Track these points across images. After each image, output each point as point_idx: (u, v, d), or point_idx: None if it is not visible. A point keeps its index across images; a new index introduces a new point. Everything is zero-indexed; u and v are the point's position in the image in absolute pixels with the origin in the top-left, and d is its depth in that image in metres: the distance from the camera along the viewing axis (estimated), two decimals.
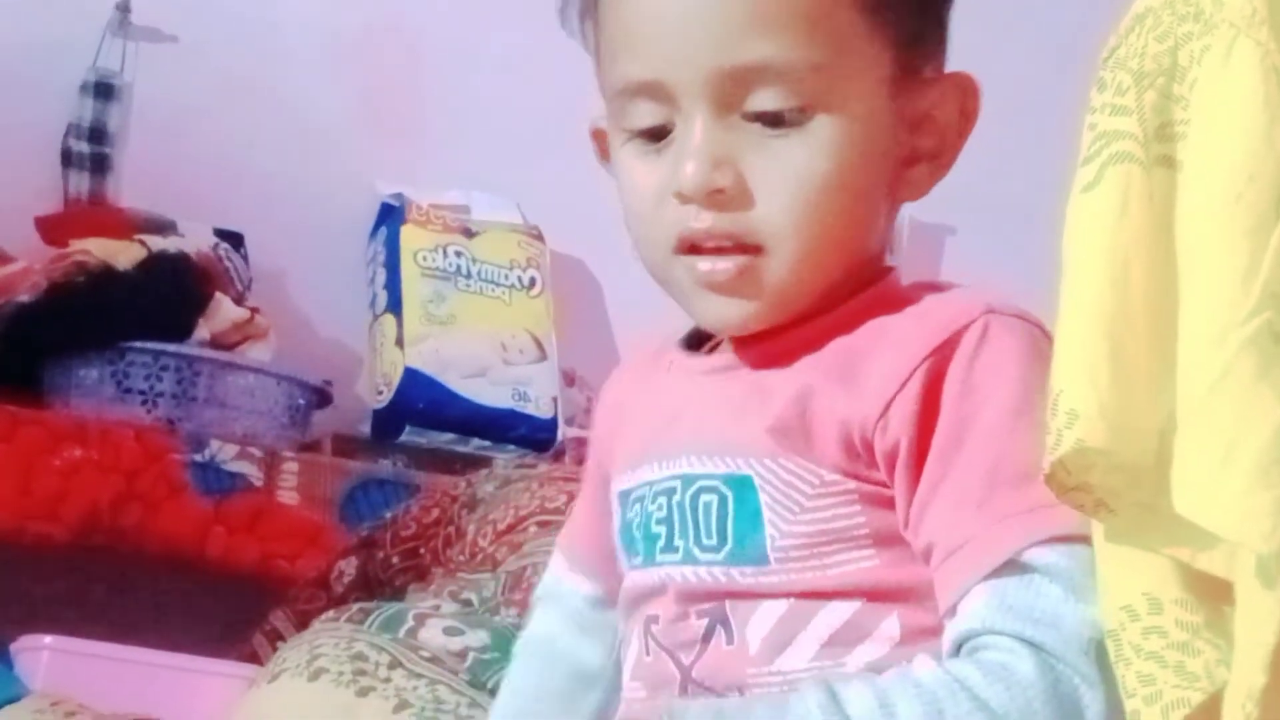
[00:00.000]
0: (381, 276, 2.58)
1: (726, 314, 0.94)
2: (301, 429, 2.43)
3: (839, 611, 0.88)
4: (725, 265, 0.92)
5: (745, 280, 0.92)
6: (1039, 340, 0.89)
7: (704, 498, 0.92)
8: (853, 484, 0.89)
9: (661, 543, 0.94)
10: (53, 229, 2.43)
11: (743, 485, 0.91)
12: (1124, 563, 0.72)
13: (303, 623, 1.93)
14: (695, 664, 0.92)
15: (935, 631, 0.87)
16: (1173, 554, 0.70)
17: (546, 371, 2.55)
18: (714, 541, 0.91)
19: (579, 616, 1.05)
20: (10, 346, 2.26)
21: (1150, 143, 0.71)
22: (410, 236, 2.58)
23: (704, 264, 0.92)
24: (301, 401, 2.42)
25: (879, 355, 0.89)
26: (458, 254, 2.60)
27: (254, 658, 1.98)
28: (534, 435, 2.51)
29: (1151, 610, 0.71)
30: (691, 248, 0.93)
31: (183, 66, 2.57)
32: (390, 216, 2.60)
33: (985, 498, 0.84)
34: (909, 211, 3.38)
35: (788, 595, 0.89)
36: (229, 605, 2.16)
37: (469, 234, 2.62)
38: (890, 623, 0.88)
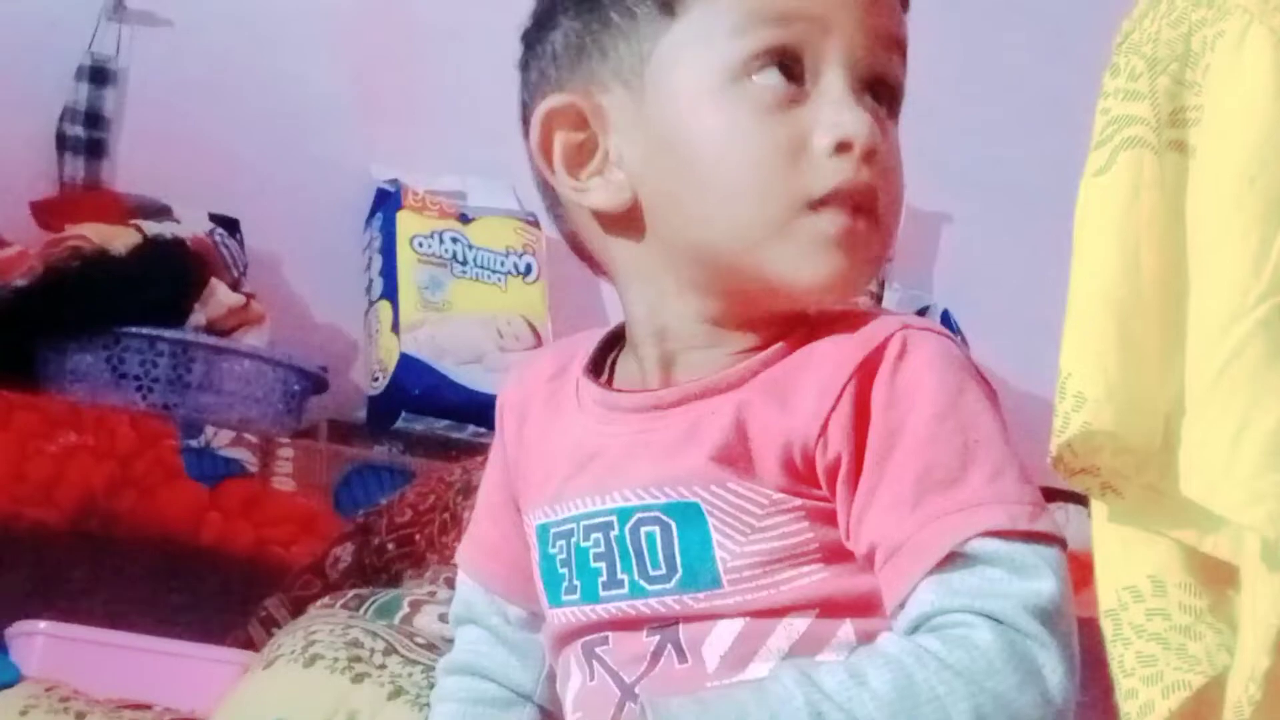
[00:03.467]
0: (377, 262, 2.57)
1: (840, 270, 0.92)
2: (297, 415, 2.42)
3: (795, 625, 0.90)
4: (861, 226, 0.92)
5: (868, 243, 0.92)
6: (952, 348, 0.92)
7: (645, 529, 0.92)
8: (799, 501, 0.90)
9: (603, 578, 0.93)
10: (48, 214, 2.42)
11: (687, 512, 0.91)
12: (1128, 544, 0.72)
13: (298, 609, 1.93)
14: (640, 681, 0.92)
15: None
16: (1179, 537, 0.70)
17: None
18: (662, 571, 0.91)
19: (504, 636, 1.03)
20: (5, 331, 2.25)
21: (1163, 128, 0.71)
22: (406, 222, 2.57)
23: (842, 218, 0.91)
24: (297, 387, 2.41)
25: (807, 376, 0.91)
26: (454, 240, 2.59)
27: (249, 644, 1.98)
28: None
29: (1156, 592, 0.71)
30: (828, 201, 0.91)
31: (178, 51, 2.57)
32: (386, 202, 2.60)
33: (919, 500, 0.87)
34: (906, 199, 3.34)
35: (742, 615, 0.90)
36: (224, 591, 2.16)
37: (465, 220, 2.62)
38: (846, 630, 0.90)
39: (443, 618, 1.63)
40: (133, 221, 2.38)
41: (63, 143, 2.50)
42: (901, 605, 0.87)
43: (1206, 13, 0.69)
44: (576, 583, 0.94)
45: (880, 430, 0.88)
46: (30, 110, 2.48)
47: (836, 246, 0.92)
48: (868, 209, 0.92)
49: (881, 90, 0.94)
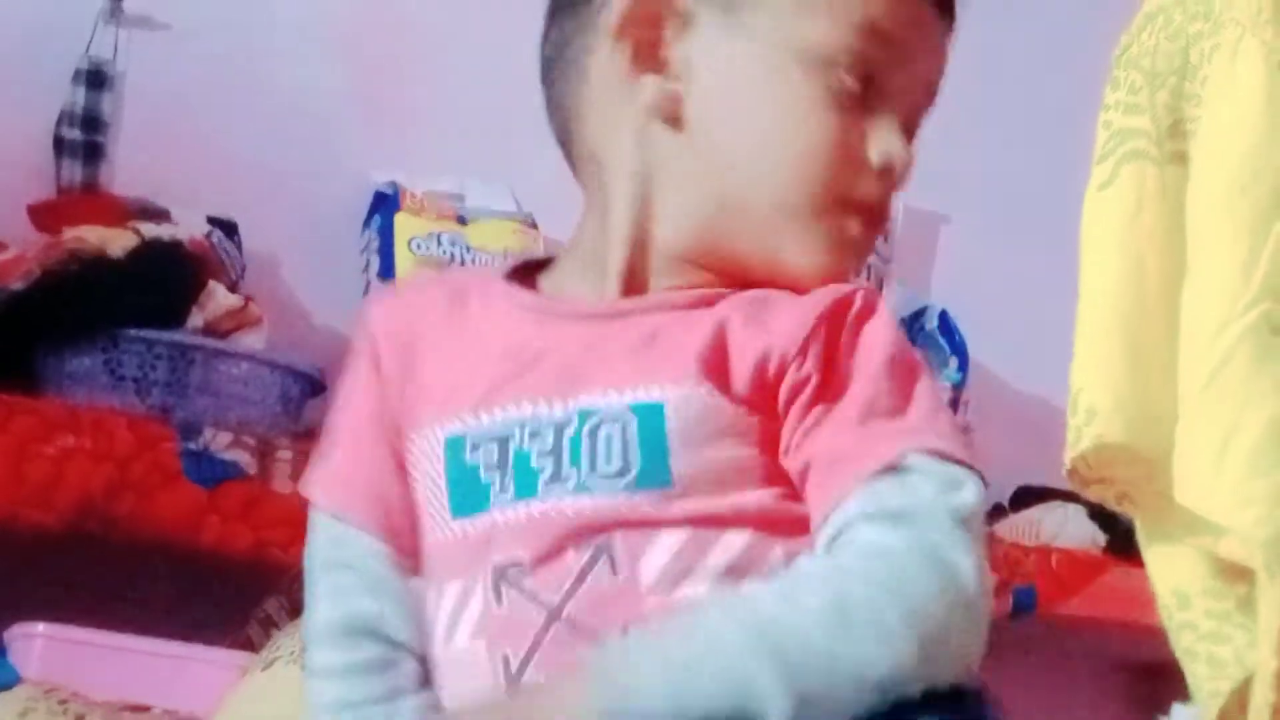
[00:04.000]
0: (375, 264, 2.57)
1: (843, 269, 1.01)
2: (295, 417, 2.42)
3: (734, 542, 0.92)
4: (871, 237, 1.01)
5: (867, 247, 1.03)
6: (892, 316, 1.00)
7: (605, 429, 0.93)
8: (754, 420, 0.94)
9: (546, 476, 0.93)
10: (45, 216, 2.42)
11: (650, 412, 0.93)
12: (1155, 560, 0.73)
13: (297, 610, 1.92)
14: (567, 602, 0.91)
15: None
16: (1196, 543, 0.71)
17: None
18: (615, 467, 0.92)
19: (377, 578, 1.00)
20: (2, 334, 2.25)
21: (1163, 140, 0.71)
22: (404, 224, 2.57)
23: (855, 227, 1.00)
24: (295, 390, 2.41)
25: (783, 307, 0.96)
26: (452, 242, 2.59)
27: (248, 645, 1.98)
28: None
29: (1181, 606, 0.72)
30: (858, 210, 1.00)
31: (176, 54, 2.56)
32: (384, 204, 2.60)
33: (864, 422, 0.92)
34: (903, 199, 3.38)
35: (687, 523, 0.91)
36: (223, 593, 2.16)
37: (463, 222, 2.62)
38: (776, 553, 0.92)
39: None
40: (130, 224, 2.38)
41: (60, 146, 2.49)
42: (828, 514, 0.91)
43: (1203, 26, 0.70)
44: (511, 484, 0.94)
45: (840, 368, 0.94)
46: (27, 113, 2.47)
47: (849, 249, 1.01)
48: (878, 225, 1.02)
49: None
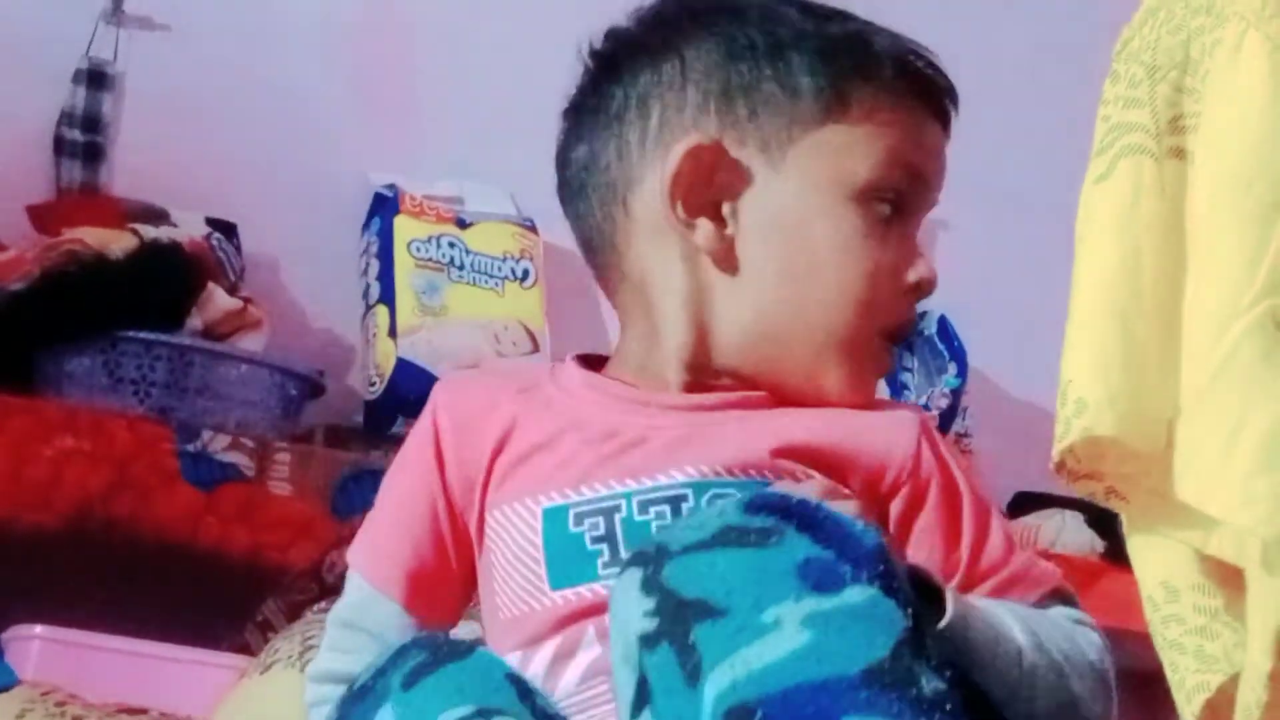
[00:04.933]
0: (374, 267, 2.57)
1: (867, 395, 1.05)
2: (294, 419, 2.42)
3: None
4: (894, 355, 1.06)
5: (888, 371, 1.07)
6: None
7: (720, 502, 0.93)
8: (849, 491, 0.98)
9: None
10: (45, 217, 2.42)
11: (765, 487, 0.95)
12: (1142, 553, 0.73)
13: (294, 613, 1.93)
14: None
15: None
16: (1184, 539, 0.71)
17: (540, 363, 2.55)
18: None
19: (390, 641, 1.01)
20: (1, 335, 2.25)
21: (1162, 135, 0.71)
22: (403, 227, 2.57)
23: (891, 357, 1.06)
24: (294, 392, 2.41)
25: (875, 423, 1.02)
26: (451, 245, 2.59)
27: (246, 648, 1.97)
28: None
29: (1169, 598, 0.72)
30: (895, 335, 1.05)
31: (176, 55, 2.56)
32: (383, 207, 2.60)
33: (1010, 548, 1.02)
34: None
35: None
36: (221, 596, 2.15)
37: (462, 225, 2.62)
38: None
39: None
40: (130, 226, 2.38)
41: (60, 146, 2.49)
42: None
43: (1205, 20, 0.70)
44: (625, 555, 0.95)
45: (943, 484, 1.00)
46: (27, 114, 2.47)
47: (878, 375, 1.05)
48: (904, 341, 1.10)
49: None
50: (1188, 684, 0.71)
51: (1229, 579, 0.72)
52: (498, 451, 1.03)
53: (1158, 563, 0.73)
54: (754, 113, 1.03)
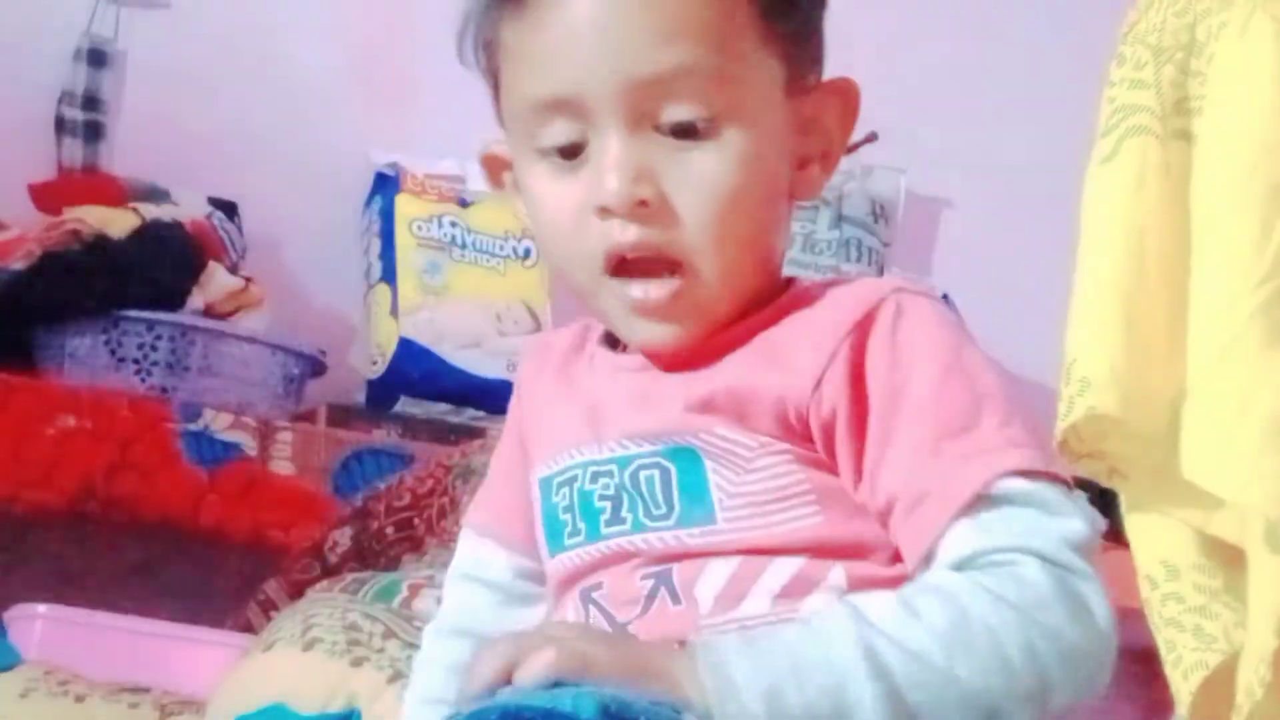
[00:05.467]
0: (376, 246, 2.57)
1: (660, 337, 0.96)
2: (295, 399, 2.42)
3: (786, 566, 0.92)
4: (658, 292, 0.95)
5: (676, 304, 0.95)
6: (944, 308, 0.95)
7: (644, 474, 0.95)
8: (786, 444, 0.93)
9: (606, 516, 0.96)
10: (46, 197, 2.42)
11: (684, 455, 0.94)
12: (1141, 532, 0.73)
13: (296, 593, 1.93)
14: (634, 622, 0.94)
15: (882, 582, 0.91)
16: (1185, 519, 0.70)
17: None
18: (662, 510, 0.94)
19: (509, 588, 1.05)
20: (3, 314, 2.25)
21: (1168, 116, 0.71)
22: (405, 206, 2.57)
23: (636, 290, 0.95)
24: (296, 371, 2.41)
25: (801, 338, 0.94)
26: (452, 224, 2.59)
27: (248, 627, 1.98)
28: None
29: (1169, 577, 0.71)
30: (619, 267, 0.95)
31: (177, 33, 2.56)
32: (385, 186, 2.59)
33: (936, 448, 0.89)
34: (905, 184, 3.36)
35: (736, 552, 0.93)
36: (223, 575, 2.16)
37: (464, 204, 2.61)
38: (837, 573, 0.92)
39: (441, 601, 1.63)
40: (131, 205, 2.38)
41: (61, 126, 2.49)
42: (928, 554, 0.89)
43: (1211, 2, 0.70)
44: (581, 525, 0.97)
45: (885, 388, 0.91)
46: (28, 93, 2.47)
47: (639, 316, 0.96)
48: (659, 264, 0.95)
49: (679, 126, 0.94)
50: (1185, 661, 0.71)
51: (1229, 559, 0.72)
52: (534, 412, 1.05)
53: (1158, 542, 0.72)
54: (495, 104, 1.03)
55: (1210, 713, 0.71)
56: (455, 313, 2.54)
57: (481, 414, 2.49)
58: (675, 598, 0.93)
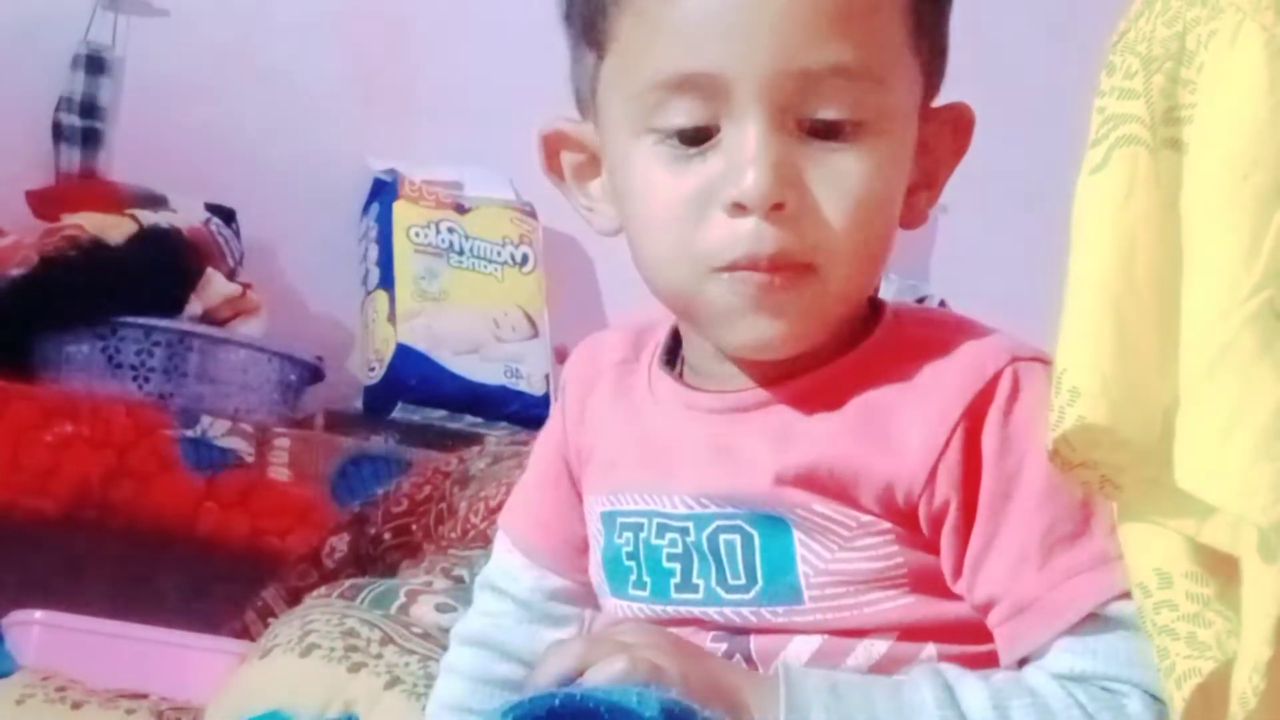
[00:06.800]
0: (374, 252, 2.57)
1: (768, 334, 0.88)
2: (293, 405, 2.42)
3: (876, 646, 0.88)
4: (779, 283, 0.86)
5: (795, 299, 0.87)
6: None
7: (724, 537, 0.89)
8: (889, 524, 0.87)
9: (676, 580, 0.91)
10: (44, 203, 2.42)
11: (772, 524, 0.88)
12: (1134, 540, 0.73)
13: (294, 599, 1.93)
14: None
15: (977, 660, 0.87)
16: (1178, 528, 0.70)
17: (539, 348, 2.55)
18: (742, 581, 0.89)
19: (537, 608, 1.00)
20: (1, 321, 2.25)
21: (1157, 126, 0.71)
22: (403, 212, 2.57)
23: (757, 279, 0.86)
24: (293, 377, 2.41)
25: (909, 412, 0.87)
26: (450, 230, 2.59)
27: (245, 633, 1.98)
28: (526, 412, 2.50)
29: (1162, 585, 0.71)
30: (742, 265, 0.87)
31: (174, 40, 2.56)
32: (383, 192, 2.60)
33: (1047, 557, 0.84)
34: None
35: (821, 632, 0.88)
36: (220, 581, 2.16)
37: (462, 210, 2.62)
38: (929, 652, 0.87)
39: (439, 607, 1.63)
40: (129, 211, 2.38)
41: (58, 132, 2.49)
42: (1023, 661, 0.85)
43: (1201, 11, 0.70)
44: (647, 579, 0.92)
45: (995, 477, 0.85)
46: (26, 100, 2.47)
47: (753, 311, 0.87)
48: (789, 266, 0.86)
49: (822, 125, 0.87)
50: (1178, 669, 0.71)
51: (1222, 567, 0.72)
52: (585, 432, 0.98)
53: (1150, 550, 0.72)
54: (576, 86, 0.94)
55: None
56: (453, 319, 2.54)
57: (479, 420, 2.49)
58: (751, 664, 0.88)
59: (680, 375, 0.95)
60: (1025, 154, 2.76)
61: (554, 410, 1.02)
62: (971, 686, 0.83)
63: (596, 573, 0.96)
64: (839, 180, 0.87)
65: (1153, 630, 0.71)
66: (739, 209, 0.86)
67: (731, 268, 0.87)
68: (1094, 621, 0.83)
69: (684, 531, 0.90)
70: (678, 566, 0.90)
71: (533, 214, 2.63)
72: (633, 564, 0.92)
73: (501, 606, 1.02)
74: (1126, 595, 0.82)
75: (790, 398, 0.90)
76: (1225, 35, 0.70)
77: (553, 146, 0.95)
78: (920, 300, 2.76)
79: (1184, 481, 0.70)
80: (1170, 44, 0.72)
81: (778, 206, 0.86)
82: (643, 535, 0.92)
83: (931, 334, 0.91)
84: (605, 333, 1.02)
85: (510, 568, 1.02)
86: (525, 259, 2.61)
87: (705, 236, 0.87)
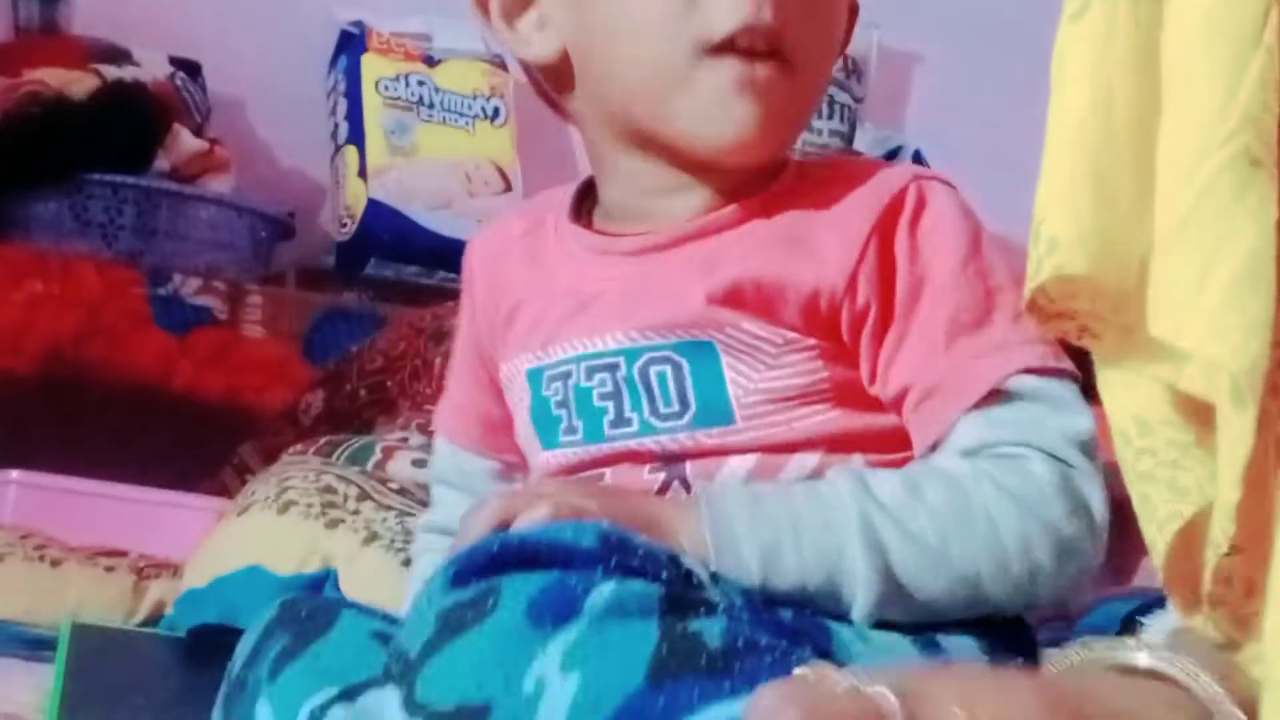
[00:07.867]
0: (343, 107, 2.54)
1: (750, 124, 0.91)
2: (265, 262, 2.41)
3: (806, 461, 0.91)
4: (766, 69, 0.90)
5: (778, 91, 0.91)
6: (960, 197, 0.94)
7: (655, 368, 0.92)
8: (813, 340, 0.91)
9: (610, 416, 0.93)
10: (4, 59, 2.38)
11: (700, 350, 0.91)
12: (1114, 388, 0.73)
13: (270, 456, 1.93)
14: None
15: (898, 466, 0.90)
16: (1156, 375, 0.71)
17: (511, 203, 2.53)
18: (675, 409, 0.92)
19: (484, 490, 1.02)
20: None
21: None
22: (371, 65, 2.54)
23: (744, 65, 0.90)
24: (264, 234, 2.40)
25: (827, 228, 0.92)
26: (420, 83, 2.56)
27: (223, 491, 1.99)
28: None
29: (1142, 432, 0.72)
30: (727, 49, 0.90)
31: None
32: (350, 45, 2.56)
33: (950, 343, 0.89)
34: (877, 38, 3.32)
35: (754, 450, 0.91)
36: (196, 439, 2.16)
37: (431, 63, 2.58)
38: (856, 462, 0.91)
39: (416, 463, 1.64)
40: (91, 66, 2.34)
41: None
42: (935, 445, 0.89)
43: None
44: (577, 423, 0.94)
45: (905, 281, 0.90)
46: None
47: (740, 96, 0.90)
48: (774, 53, 0.90)
49: None
50: (1159, 514, 0.71)
51: (1199, 414, 0.72)
52: (500, 303, 1.00)
53: (1130, 399, 0.73)
54: None
55: (1186, 568, 0.71)
56: (424, 173, 2.52)
57: (453, 275, 2.47)
58: (689, 490, 0.91)
59: (589, 227, 0.98)
60: (1002, 3, 2.73)
61: (463, 303, 1.05)
62: (884, 476, 0.88)
63: (526, 433, 0.98)
64: None
65: (1134, 477, 0.72)
66: None
67: (728, 45, 0.89)
68: (996, 397, 0.88)
69: (613, 368, 0.93)
70: (610, 404, 0.93)
71: (504, 66, 2.59)
72: (563, 412, 0.95)
73: (453, 497, 1.04)
74: (1029, 371, 0.88)
75: (712, 229, 0.94)
76: None
77: None
78: (894, 152, 2.74)
79: (1157, 328, 0.70)
80: None
81: None
82: (571, 381, 0.94)
83: (838, 168, 0.97)
84: (498, 218, 1.07)
85: (452, 458, 1.05)
86: (497, 112, 2.58)
87: (700, 15, 0.90)
